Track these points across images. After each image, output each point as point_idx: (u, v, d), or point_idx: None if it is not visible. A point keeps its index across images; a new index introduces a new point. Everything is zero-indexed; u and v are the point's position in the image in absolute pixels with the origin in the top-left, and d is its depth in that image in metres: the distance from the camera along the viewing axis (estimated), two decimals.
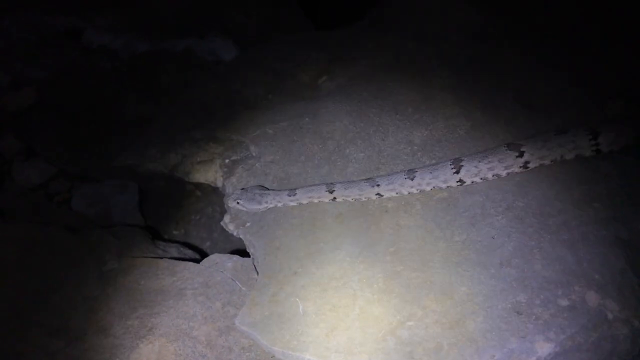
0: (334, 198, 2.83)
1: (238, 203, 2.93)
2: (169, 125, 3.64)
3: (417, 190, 2.74)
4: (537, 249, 2.35)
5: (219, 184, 3.28)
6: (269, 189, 2.95)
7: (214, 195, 3.92)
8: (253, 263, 2.82)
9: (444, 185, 2.71)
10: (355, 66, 3.58)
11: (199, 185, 3.95)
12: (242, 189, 2.99)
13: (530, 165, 2.65)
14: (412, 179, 2.71)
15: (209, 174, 3.31)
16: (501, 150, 2.66)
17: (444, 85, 3.22)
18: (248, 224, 2.93)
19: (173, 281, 2.81)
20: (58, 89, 4.81)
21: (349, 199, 2.82)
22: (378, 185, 2.76)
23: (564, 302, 2.16)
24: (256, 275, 2.75)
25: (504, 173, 2.67)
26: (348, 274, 2.51)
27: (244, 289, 2.72)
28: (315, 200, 2.85)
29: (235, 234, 2.97)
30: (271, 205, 2.90)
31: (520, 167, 2.65)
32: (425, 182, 2.71)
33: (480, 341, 2.12)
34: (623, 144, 2.63)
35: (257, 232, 2.87)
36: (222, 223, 3.05)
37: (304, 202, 2.85)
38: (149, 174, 3.63)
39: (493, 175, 2.67)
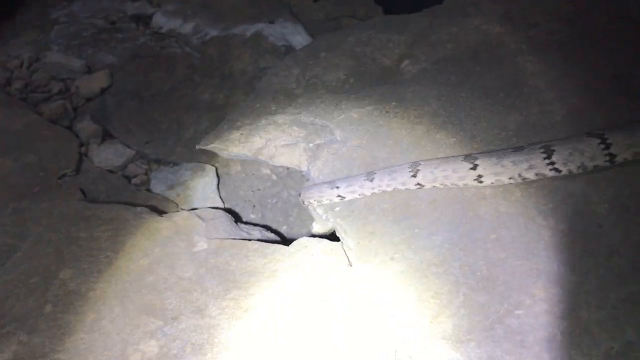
0: (303, 201, 3.05)
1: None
2: (250, 109, 3.64)
3: (379, 191, 2.82)
4: None
5: (304, 168, 3.28)
6: None
7: (289, 180, 3.92)
8: (342, 247, 2.81)
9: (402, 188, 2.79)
10: (438, 50, 3.51)
11: (274, 170, 3.96)
12: None
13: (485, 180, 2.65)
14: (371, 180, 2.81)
15: (293, 158, 3.31)
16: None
17: (536, 70, 3.12)
18: (337, 209, 2.92)
19: (264, 263, 2.82)
20: (130, 72, 4.90)
21: (312, 200, 3.00)
22: (337, 187, 2.90)
23: None
24: (346, 259, 2.74)
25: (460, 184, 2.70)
26: (448, 260, 2.48)
27: (335, 272, 2.70)
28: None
29: (324, 217, 2.97)
30: None
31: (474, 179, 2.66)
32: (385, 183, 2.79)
33: (596, 332, 2.08)
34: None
35: (348, 216, 2.85)
36: (309, 207, 3.06)
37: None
38: (231, 157, 3.65)
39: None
